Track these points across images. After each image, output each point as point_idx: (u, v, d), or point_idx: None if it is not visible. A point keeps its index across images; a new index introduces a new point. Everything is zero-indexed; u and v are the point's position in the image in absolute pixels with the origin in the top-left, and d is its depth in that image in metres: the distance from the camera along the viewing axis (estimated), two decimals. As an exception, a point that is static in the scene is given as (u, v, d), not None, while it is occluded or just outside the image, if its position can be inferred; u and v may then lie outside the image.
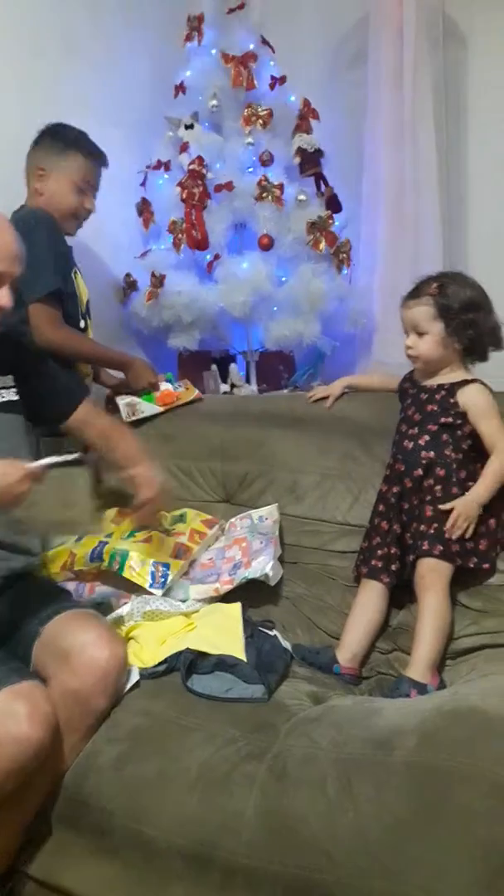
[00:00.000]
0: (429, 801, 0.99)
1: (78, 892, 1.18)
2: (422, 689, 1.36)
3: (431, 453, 1.56)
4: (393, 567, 1.54)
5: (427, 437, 1.58)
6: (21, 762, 1.11)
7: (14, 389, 1.45)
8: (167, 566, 1.62)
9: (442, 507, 1.50)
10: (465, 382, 1.60)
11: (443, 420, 1.58)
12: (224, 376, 2.43)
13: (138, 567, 1.60)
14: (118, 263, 2.56)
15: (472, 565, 1.50)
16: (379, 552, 1.57)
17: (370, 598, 1.55)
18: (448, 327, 1.58)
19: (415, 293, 1.63)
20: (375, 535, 1.60)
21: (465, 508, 1.50)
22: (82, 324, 2.03)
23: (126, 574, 1.60)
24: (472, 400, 1.57)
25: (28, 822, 1.23)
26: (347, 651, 1.50)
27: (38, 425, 1.53)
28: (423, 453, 1.56)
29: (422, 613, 1.45)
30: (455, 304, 1.57)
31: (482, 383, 1.61)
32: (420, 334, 1.61)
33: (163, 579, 1.59)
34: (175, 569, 1.62)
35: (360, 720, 1.17)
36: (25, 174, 2.02)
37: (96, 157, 2.00)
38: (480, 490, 1.51)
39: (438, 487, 1.53)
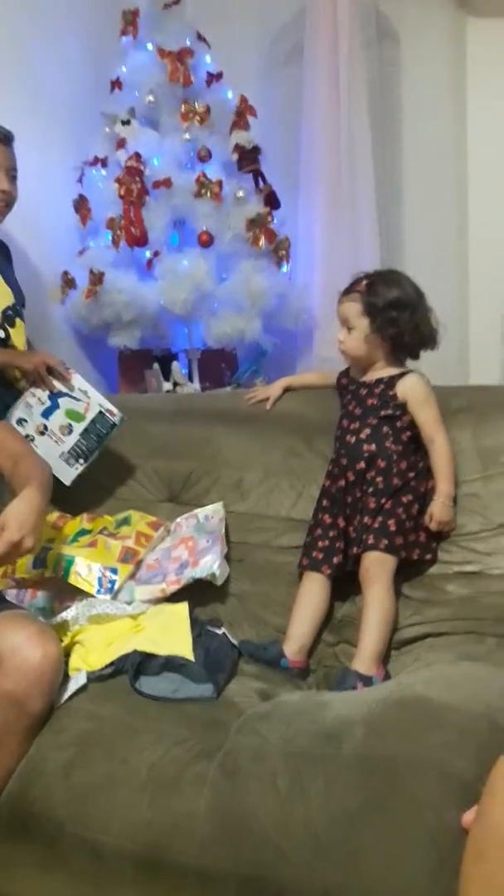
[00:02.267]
0: (378, 792, 1.01)
1: (26, 903, 1.15)
2: (367, 681, 1.38)
3: (373, 446, 1.59)
4: (335, 559, 1.56)
5: (368, 431, 1.60)
6: None
7: None
8: (115, 570, 1.60)
9: (430, 526, 1.53)
10: (403, 374, 1.63)
11: (383, 413, 1.61)
12: (166, 375, 2.42)
13: (84, 573, 1.58)
14: (55, 261, 2.52)
15: (415, 557, 1.53)
16: (320, 544, 1.58)
17: (312, 590, 1.56)
18: (373, 323, 1.61)
19: (347, 290, 1.67)
20: (318, 528, 1.61)
21: (441, 513, 1.53)
22: (1, 333, 1.92)
23: (72, 580, 1.57)
24: (410, 390, 1.61)
25: None
26: (294, 643, 1.51)
27: None
28: (365, 446, 1.59)
29: (367, 606, 1.47)
30: (380, 301, 1.60)
31: (420, 374, 1.64)
32: (349, 329, 1.65)
33: (110, 584, 1.57)
34: (123, 573, 1.60)
35: (308, 714, 1.18)
36: None
37: None
38: (444, 487, 1.55)
39: (380, 479, 1.56)
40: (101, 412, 1.81)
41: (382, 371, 1.66)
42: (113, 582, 1.58)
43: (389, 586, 1.49)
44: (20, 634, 1.23)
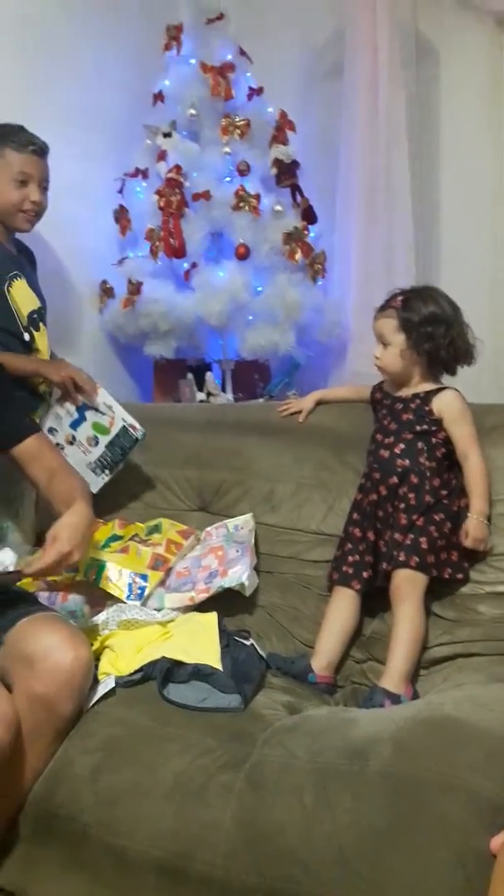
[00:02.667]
0: (405, 811, 1.00)
1: (50, 905, 1.16)
2: (395, 699, 1.37)
3: (406, 461, 1.58)
4: (364, 574, 1.56)
5: (402, 446, 1.60)
6: None
7: None
8: (145, 577, 1.61)
9: (465, 543, 1.52)
10: (440, 390, 1.63)
11: (418, 428, 1.60)
12: (200, 385, 2.44)
13: (115, 578, 1.59)
14: (94, 270, 2.56)
15: (446, 576, 1.52)
16: (350, 559, 1.58)
17: (342, 606, 1.56)
18: (409, 339, 1.61)
19: (383, 306, 1.68)
20: (348, 543, 1.61)
21: (476, 531, 1.53)
22: (26, 336, 1.95)
23: (103, 585, 1.59)
24: (446, 406, 1.60)
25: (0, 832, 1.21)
26: (322, 659, 1.51)
27: None
28: (399, 461, 1.59)
29: (396, 624, 1.47)
30: (415, 317, 1.61)
31: (456, 391, 1.64)
32: (385, 345, 1.65)
33: (140, 591, 1.58)
34: (153, 580, 1.62)
35: (335, 730, 1.17)
36: None
37: (29, 146, 1.92)
38: (478, 504, 1.54)
39: (412, 495, 1.55)
40: (124, 427, 1.85)
41: (418, 386, 1.65)
42: (143, 588, 1.60)
43: (420, 604, 1.48)
44: (52, 637, 1.24)
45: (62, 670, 1.21)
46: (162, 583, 1.66)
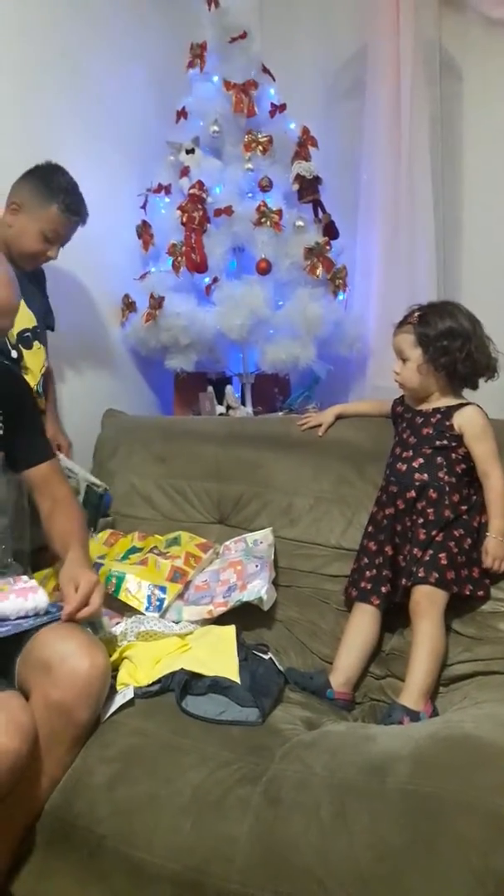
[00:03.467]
0: (423, 830, 0.99)
1: (66, 917, 1.16)
2: (414, 716, 1.36)
3: (425, 475, 1.58)
4: (383, 589, 1.55)
5: (421, 460, 1.60)
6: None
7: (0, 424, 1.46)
8: (164, 589, 1.62)
9: (485, 563, 1.52)
10: (461, 406, 1.62)
11: (438, 443, 1.60)
12: (220, 398, 2.45)
13: (134, 590, 1.60)
14: (117, 284, 2.59)
15: (467, 592, 1.51)
16: (367, 574, 1.58)
17: (362, 622, 1.55)
18: (425, 354, 1.61)
19: (402, 321, 1.69)
20: (364, 557, 1.61)
21: (495, 551, 1.52)
22: (14, 353, 1.95)
23: (122, 597, 1.60)
24: (468, 422, 1.60)
25: (16, 841, 1.22)
26: (341, 675, 1.50)
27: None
28: (417, 475, 1.58)
29: (416, 640, 1.46)
30: (432, 332, 1.61)
31: (477, 406, 1.63)
32: (404, 360, 1.66)
33: (159, 603, 1.59)
34: (172, 592, 1.62)
35: (353, 746, 1.17)
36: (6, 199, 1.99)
37: (74, 215, 1.95)
38: (498, 524, 1.54)
39: (431, 510, 1.55)
40: (87, 486, 1.92)
41: (439, 401, 1.65)
42: (161, 600, 1.60)
43: (440, 621, 1.47)
44: (69, 644, 1.25)
45: (79, 677, 1.21)
46: (180, 596, 1.67)
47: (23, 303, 1.98)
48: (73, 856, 1.18)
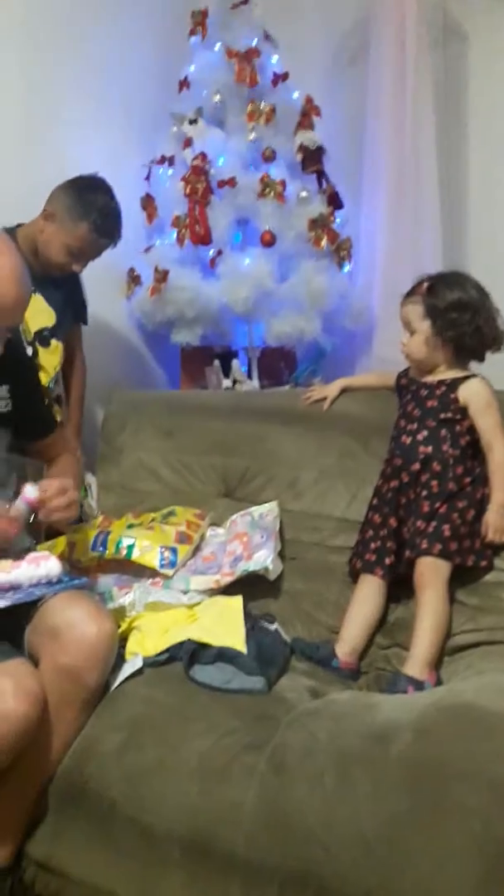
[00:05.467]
0: (425, 797, 1.01)
1: (77, 876, 1.19)
2: (419, 686, 1.38)
3: (429, 448, 1.58)
4: (387, 561, 1.56)
5: (425, 433, 1.60)
6: (10, 738, 1.14)
7: (6, 401, 1.47)
8: (174, 550, 1.64)
9: (487, 535, 1.51)
10: (467, 378, 1.61)
11: (442, 416, 1.60)
12: (226, 372, 2.45)
13: (147, 550, 1.62)
14: (122, 258, 2.57)
15: (470, 563, 1.52)
16: (372, 545, 1.59)
17: (367, 593, 1.57)
18: (434, 326, 1.60)
19: (410, 292, 1.67)
20: (369, 529, 1.62)
21: (496, 523, 1.52)
22: (29, 350, 1.95)
23: (135, 557, 1.61)
24: (473, 394, 1.59)
25: (32, 802, 1.25)
26: (346, 645, 1.52)
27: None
28: (421, 448, 1.58)
29: (420, 611, 1.47)
30: (441, 303, 1.59)
31: (483, 379, 1.62)
32: (411, 332, 1.64)
33: (171, 561, 1.61)
34: (182, 552, 1.64)
35: (357, 714, 1.18)
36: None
37: (104, 237, 1.94)
38: (499, 496, 1.53)
39: (435, 482, 1.55)
40: None
41: (445, 374, 1.64)
42: (174, 559, 1.62)
43: (444, 592, 1.49)
44: (77, 610, 1.27)
45: (87, 642, 1.24)
46: (191, 556, 1.68)
47: (42, 300, 1.99)
48: (84, 819, 1.21)
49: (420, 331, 1.63)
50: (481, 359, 1.66)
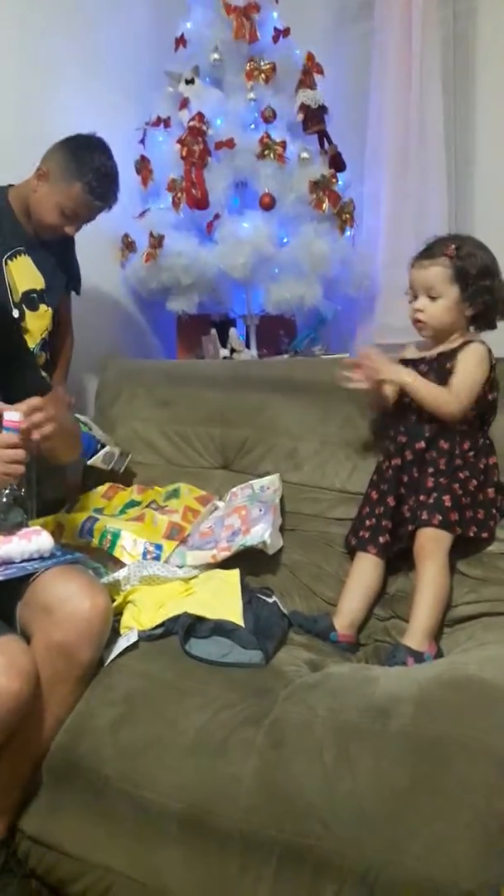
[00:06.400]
0: (426, 772, 0.99)
1: (72, 852, 1.18)
2: (419, 657, 1.35)
3: (436, 425, 1.53)
4: (381, 539, 1.52)
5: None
6: (1, 715, 1.12)
7: None
8: (159, 547, 1.60)
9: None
10: (466, 343, 1.55)
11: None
12: (224, 341, 2.40)
13: (130, 547, 1.59)
14: (116, 223, 2.50)
15: (471, 534, 1.49)
16: (367, 522, 1.55)
17: (365, 567, 1.53)
18: (464, 292, 1.52)
19: (429, 253, 1.56)
20: (366, 506, 1.58)
21: (386, 363, 1.54)
22: (15, 313, 1.90)
23: (116, 553, 1.59)
24: (463, 355, 1.53)
25: (25, 778, 1.24)
26: (345, 618, 1.49)
27: None
28: (427, 427, 1.53)
29: (420, 582, 1.44)
30: (472, 268, 1.51)
31: (482, 344, 1.55)
32: (432, 298, 1.55)
33: (156, 554, 1.58)
34: (167, 549, 1.61)
35: (357, 688, 1.16)
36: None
37: (98, 199, 1.87)
38: (419, 382, 1.52)
39: (442, 460, 1.51)
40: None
41: (450, 343, 1.57)
42: (158, 553, 1.59)
43: (444, 563, 1.45)
44: (70, 585, 1.25)
45: (80, 618, 1.21)
46: (184, 541, 1.65)
47: (31, 264, 1.94)
48: (79, 794, 1.20)
49: (446, 296, 1.53)
50: (494, 326, 1.59)
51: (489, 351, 1.56)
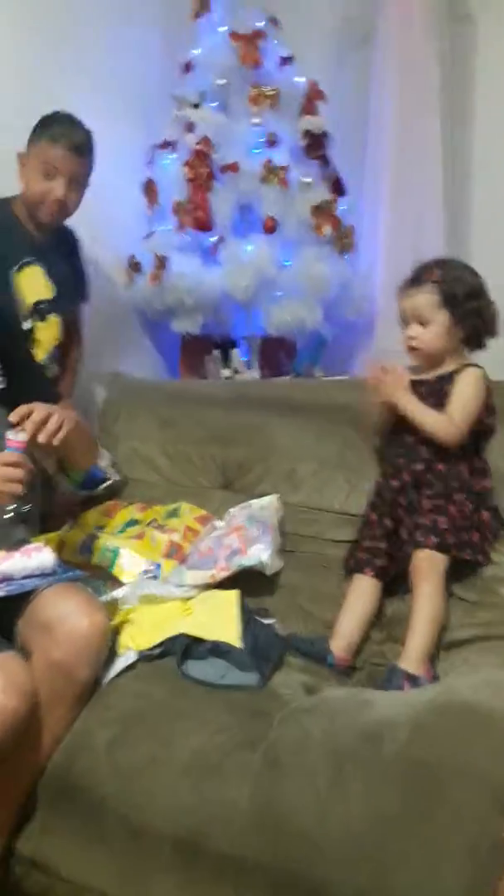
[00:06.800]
0: (419, 797, 1.00)
1: (66, 874, 1.18)
2: (414, 681, 1.36)
3: (433, 447, 1.55)
4: (378, 562, 1.52)
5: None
6: None
7: (1, 378, 1.45)
8: (158, 566, 1.61)
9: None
10: (464, 367, 1.57)
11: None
12: (226, 361, 2.42)
13: (128, 565, 1.60)
14: (123, 245, 2.54)
15: (466, 557, 1.50)
16: (366, 544, 1.56)
17: (362, 589, 1.54)
18: (454, 316, 1.54)
19: (415, 281, 1.58)
20: (365, 528, 1.58)
21: (391, 378, 1.52)
22: (26, 325, 1.92)
23: (115, 572, 1.60)
24: (459, 381, 1.54)
25: (21, 798, 1.24)
26: (342, 640, 1.50)
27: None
28: (425, 449, 1.55)
29: (416, 605, 1.45)
30: (460, 291, 1.53)
31: (479, 368, 1.57)
32: (423, 324, 1.57)
33: (155, 574, 1.60)
34: (167, 569, 1.62)
35: (352, 711, 1.17)
36: None
37: (62, 137, 1.84)
38: (417, 407, 1.52)
39: (439, 483, 1.52)
40: None
41: (447, 366, 1.59)
42: (157, 573, 1.61)
43: (440, 585, 1.46)
44: (69, 604, 1.25)
45: (79, 636, 1.22)
46: (183, 561, 1.67)
47: (42, 273, 1.96)
48: (74, 815, 1.20)
49: (436, 321, 1.55)
50: (483, 346, 1.61)
51: (485, 375, 1.58)
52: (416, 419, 1.53)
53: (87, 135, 1.91)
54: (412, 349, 1.60)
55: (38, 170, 1.87)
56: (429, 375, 1.62)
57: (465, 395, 1.53)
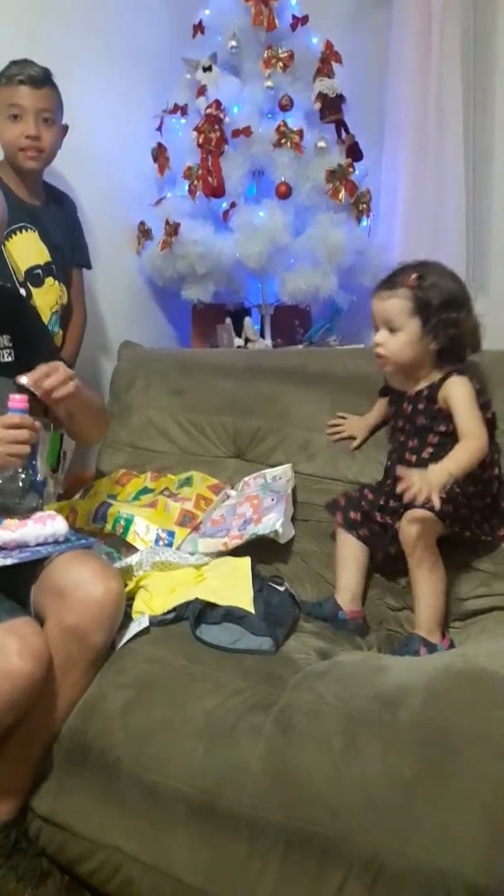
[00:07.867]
0: (434, 762, 0.99)
1: (83, 832, 1.19)
2: (432, 647, 1.36)
3: (441, 438, 1.47)
4: (361, 532, 1.50)
5: (430, 450, 1.47)
6: (14, 696, 1.14)
7: (9, 350, 1.44)
8: (172, 534, 1.61)
9: (399, 489, 1.33)
10: (444, 379, 1.45)
11: (442, 428, 1.46)
12: (238, 330, 2.40)
13: (143, 533, 1.60)
14: (133, 210, 2.51)
15: (467, 534, 1.45)
16: (358, 509, 1.53)
17: (348, 540, 1.52)
18: (425, 325, 1.42)
19: (390, 283, 1.45)
20: (363, 499, 1.54)
21: (420, 479, 1.30)
22: (22, 291, 1.87)
23: (129, 539, 1.60)
24: (451, 392, 1.43)
25: (37, 759, 1.25)
26: (346, 592, 1.49)
27: None
28: (431, 465, 1.39)
29: (414, 574, 1.42)
30: (435, 299, 1.40)
31: (460, 373, 1.45)
32: (392, 330, 1.44)
33: (168, 541, 1.59)
34: (180, 536, 1.62)
35: (366, 676, 1.17)
36: None
37: (12, 79, 1.81)
38: (449, 463, 1.33)
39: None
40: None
41: (426, 380, 1.48)
42: (170, 540, 1.60)
43: (433, 549, 1.40)
44: (83, 570, 1.26)
45: (93, 602, 1.22)
46: (196, 529, 1.66)
47: (35, 236, 1.93)
48: (89, 776, 1.21)
49: (406, 330, 1.42)
50: (463, 361, 1.49)
51: (466, 375, 1.46)
52: (462, 472, 1.36)
53: (44, 69, 1.87)
54: (379, 356, 1.49)
55: (5, 116, 1.84)
56: (409, 388, 1.52)
57: (465, 405, 1.42)
